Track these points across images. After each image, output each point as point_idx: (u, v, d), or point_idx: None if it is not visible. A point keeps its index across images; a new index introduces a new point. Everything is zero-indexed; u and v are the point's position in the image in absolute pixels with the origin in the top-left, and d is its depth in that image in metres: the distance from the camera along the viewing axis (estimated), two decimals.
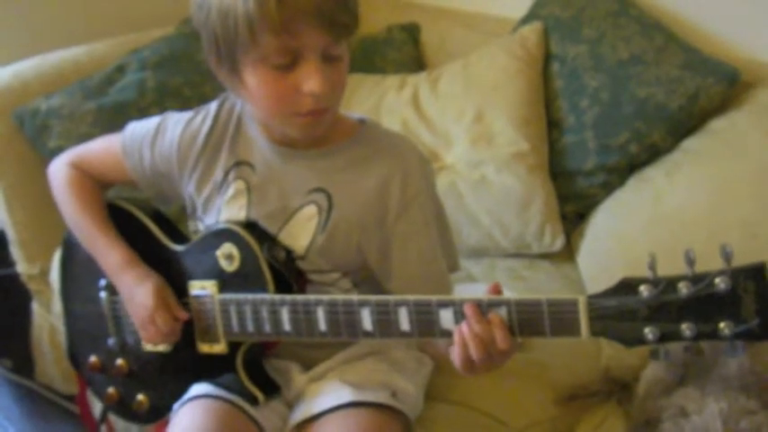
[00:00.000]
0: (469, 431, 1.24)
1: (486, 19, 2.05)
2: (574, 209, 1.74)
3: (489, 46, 1.89)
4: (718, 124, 1.61)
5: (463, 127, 1.78)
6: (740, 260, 1.36)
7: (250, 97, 1.05)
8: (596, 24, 1.77)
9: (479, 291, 1.59)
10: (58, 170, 1.25)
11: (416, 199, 1.09)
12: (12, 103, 1.81)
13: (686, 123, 1.63)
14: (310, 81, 0.98)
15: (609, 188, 1.70)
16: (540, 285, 1.63)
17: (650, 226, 1.55)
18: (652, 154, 1.65)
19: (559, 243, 1.69)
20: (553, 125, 1.78)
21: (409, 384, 1.17)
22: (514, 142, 1.72)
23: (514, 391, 1.30)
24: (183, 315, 1.14)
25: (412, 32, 2.14)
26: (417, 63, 2.11)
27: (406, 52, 2.10)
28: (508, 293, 1.54)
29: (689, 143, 1.63)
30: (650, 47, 1.68)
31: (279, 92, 1.00)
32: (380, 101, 1.91)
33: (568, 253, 1.72)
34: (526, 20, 1.91)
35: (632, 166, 1.68)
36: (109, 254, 1.19)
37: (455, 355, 0.95)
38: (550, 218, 1.68)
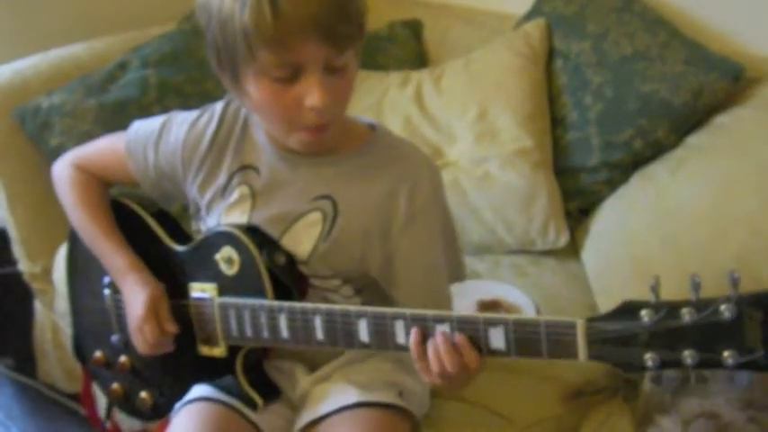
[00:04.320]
0: (475, 429, 1.24)
1: (488, 15, 2.05)
2: (578, 205, 1.73)
3: (492, 43, 1.89)
4: (722, 120, 1.60)
5: (467, 124, 1.77)
6: (745, 256, 1.37)
7: (253, 108, 1.03)
8: (600, 20, 1.76)
9: (484, 288, 1.59)
10: (62, 171, 1.23)
11: (424, 212, 1.07)
12: (12, 101, 1.80)
13: (690, 119, 1.63)
14: (312, 96, 0.95)
15: (613, 185, 1.69)
16: (544, 282, 1.62)
17: (654, 222, 1.55)
18: (656, 150, 1.65)
19: (564, 240, 1.68)
20: (557, 122, 1.78)
21: (415, 383, 1.17)
22: (518, 139, 1.72)
23: (520, 388, 1.30)
24: (171, 328, 1.13)
25: (414, 29, 2.13)
26: (420, 60, 2.10)
27: (408, 49, 2.09)
28: (515, 291, 1.55)
29: (693, 139, 1.62)
30: (654, 43, 1.68)
31: (280, 105, 0.97)
32: (383, 98, 1.90)
33: (573, 249, 1.71)
34: (529, 16, 1.90)
35: (636, 163, 1.67)
36: (113, 258, 1.17)
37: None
38: (554, 214, 1.68)
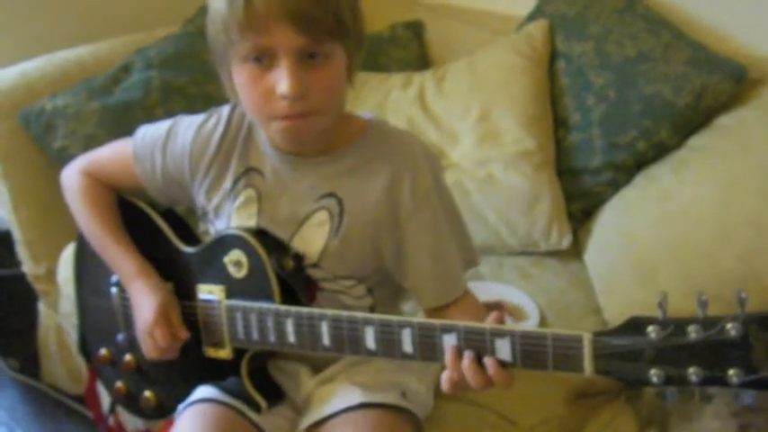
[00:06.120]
0: (479, 430, 1.24)
1: (491, 16, 2.05)
2: (580, 207, 1.73)
3: (495, 44, 1.89)
4: (725, 121, 1.60)
5: (469, 125, 1.78)
6: (748, 256, 1.37)
7: (241, 100, 1.04)
8: (602, 21, 1.76)
9: (487, 290, 1.59)
10: (71, 178, 1.24)
11: (427, 201, 1.08)
12: (17, 103, 1.81)
13: (693, 120, 1.63)
14: (281, 83, 0.95)
15: (616, 186, 1.69)
16: (547, 283, 1.63)
17: (657, 224, 1.55)
18: (659, 151, 1.65)
19: (567, 241, 1.69)
20: (559, 123, 1.78)
21: (419, 384, 1.17)
22: (521, 140, 1.72)
23: (524, 389, 1.28)
24: (184, 335, 1.13)
25: (416, 30, 2.14)
26: (422, 61, 2.10)
27: (410, 50, 2.09)
28: (518, 293, 1.55)
29: (696, 140, 1.62)
30: (657, 44, 1.68)
31: (256, 93, 0.99)
32: (385, 99, 1.91)
33: (575, 251, 1.71)
34: (531, 17, 1.91)
35: (639, 164, 1.67)
36: (122, 263, 1.18)
37: (445, 379, 0.94)
38: (557, 216, 1.68)
